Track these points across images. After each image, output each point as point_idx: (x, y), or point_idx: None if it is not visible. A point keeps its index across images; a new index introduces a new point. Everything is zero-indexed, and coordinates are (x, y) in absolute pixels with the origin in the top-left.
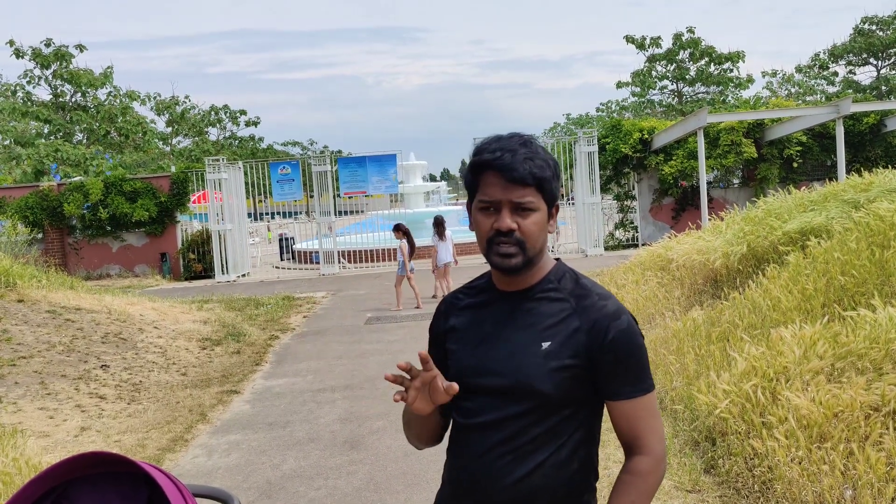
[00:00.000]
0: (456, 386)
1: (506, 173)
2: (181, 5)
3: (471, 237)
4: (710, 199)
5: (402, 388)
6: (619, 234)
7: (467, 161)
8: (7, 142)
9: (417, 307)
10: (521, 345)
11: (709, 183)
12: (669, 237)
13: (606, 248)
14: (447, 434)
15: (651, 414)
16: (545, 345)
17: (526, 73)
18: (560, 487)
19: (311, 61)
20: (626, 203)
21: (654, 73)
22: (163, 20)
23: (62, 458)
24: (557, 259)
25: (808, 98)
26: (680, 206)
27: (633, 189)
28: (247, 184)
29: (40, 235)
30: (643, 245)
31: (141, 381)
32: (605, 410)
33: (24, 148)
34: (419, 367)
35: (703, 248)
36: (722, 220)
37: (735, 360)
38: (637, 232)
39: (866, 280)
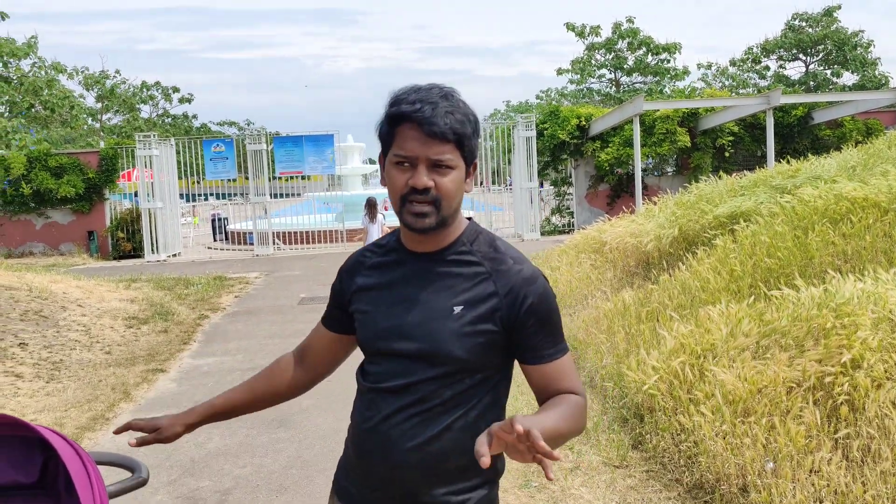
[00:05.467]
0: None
1: (425, 127)
2: None
3: None
4: (645, 187)
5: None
6: (555, 219)
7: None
8: None
9: None
10: (435, 309)
11: (644, 170)
12: (604, 222)
13: (543, 233)
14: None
15: (573, 371)
16: (458, 309)
17: (466, 59)
18: (468, 449)
19: (248, 41)
20: (562, 189)
21: (592, 61)
22: None
23: None
24: (469, 218)
25: (741, 91)
26: (615, 192)
27: (570, 175)
28: (180, 163)
29: None
30: (579, 230)
31: (62, 360)
32: (513, 376)
33: None
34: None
35: (636, 231)
36: (655, 205)
37: (664, 338)
38: (573, 217)
39: (790, 262)
